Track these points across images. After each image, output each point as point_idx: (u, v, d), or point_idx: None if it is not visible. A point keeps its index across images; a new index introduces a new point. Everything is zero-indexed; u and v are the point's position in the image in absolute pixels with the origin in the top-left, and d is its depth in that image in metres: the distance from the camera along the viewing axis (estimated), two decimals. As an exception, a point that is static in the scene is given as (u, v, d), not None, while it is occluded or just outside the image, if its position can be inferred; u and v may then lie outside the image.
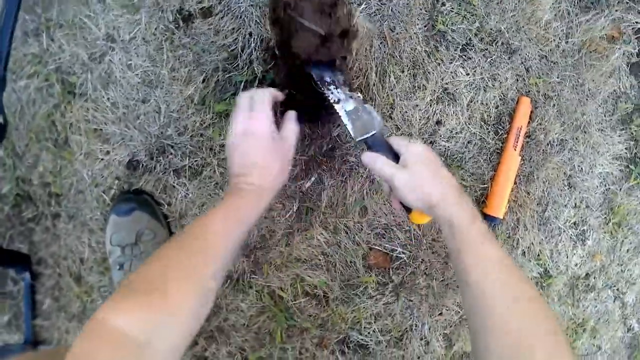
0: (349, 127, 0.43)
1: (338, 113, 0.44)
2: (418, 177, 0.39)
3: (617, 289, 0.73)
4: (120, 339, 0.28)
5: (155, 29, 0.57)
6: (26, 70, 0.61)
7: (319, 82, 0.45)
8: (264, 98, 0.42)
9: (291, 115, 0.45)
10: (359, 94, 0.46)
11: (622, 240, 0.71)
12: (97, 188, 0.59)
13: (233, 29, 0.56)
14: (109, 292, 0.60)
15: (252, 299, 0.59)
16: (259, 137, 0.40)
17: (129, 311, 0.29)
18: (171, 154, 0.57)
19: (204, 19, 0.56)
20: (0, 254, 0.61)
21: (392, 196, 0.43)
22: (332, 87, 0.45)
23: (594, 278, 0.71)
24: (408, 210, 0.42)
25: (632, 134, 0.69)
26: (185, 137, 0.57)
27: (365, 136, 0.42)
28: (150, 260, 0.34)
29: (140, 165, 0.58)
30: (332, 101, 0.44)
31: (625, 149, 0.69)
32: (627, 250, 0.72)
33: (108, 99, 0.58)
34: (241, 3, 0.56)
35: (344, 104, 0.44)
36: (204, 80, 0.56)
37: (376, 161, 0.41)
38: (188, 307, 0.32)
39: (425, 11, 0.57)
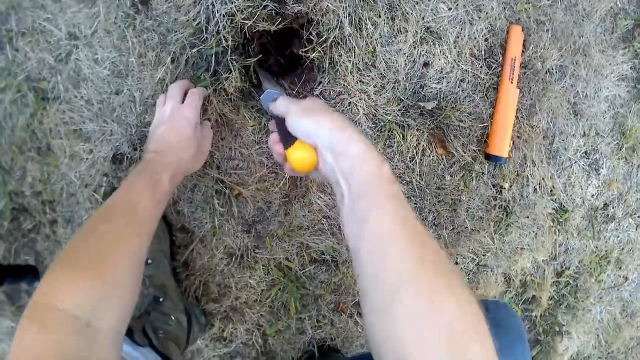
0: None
1: None
2: (313, 105, 0.34)
3: (639, 217, 0.70)
4: (65, 321, 0.27)
5: (115, 17, 0.54)
6: (-2, 85, 0.60)
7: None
8: (199, 94, 0.47)
9: (206, 123, 0.50)
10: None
11: (638, 165, 0.68)
12: (87, 188, 0.58)
13: (194, 1, 0.53)
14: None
15: (260, 274, 0.58)
16: (186, 124, 0.44)
17: (69, 290, 0.28)
18: (154, 141, 0.56)
19: (163, -4, 0.53)
20: (8, 270, 0.61)
21: (275, 135, 0.38)
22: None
23: (613, 207, 0.68)
24: (288, 145, 0.35)
25: (636, 51, 0.65)
26: (165, 122, 0.55)
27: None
28: (82, 235, 0.33)
29: (125, 157, 0.57)
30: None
31: (630, 68, 0.64)
32: (645, 174, 0.69)
33: (81, 97, 0.57)
34: (198, -28, 0.52)
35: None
36: (173, 61, 0.54)
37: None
38: (126, 281, 0.32)
39: (395, -54, 0.53)
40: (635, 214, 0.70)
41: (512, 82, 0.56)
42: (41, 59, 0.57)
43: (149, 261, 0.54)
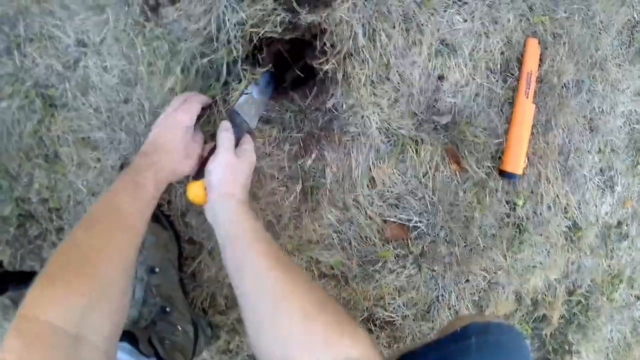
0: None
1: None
2: (238, 167, 0.42)
3: (653, 234, 0.69)
4: (53, 335, 0.26)
5: (125, 25, 0.54)
6: (5, 91, 0.59)
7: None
8: (197, 101, 0.48)
9: (198, 128, 0.50)
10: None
11: (654, 182, 0.66)
12: (95, 197, 0.58)
13: (204, 10, 0.52)
14: (130, 306, 0.59)
15: (268, 290, 0.57)
16: (176, 126, 0.45)
17: (56, 301, 0.27)
18: (163, 151, 0.55)
19: (172, 5, 0.52)
20: (14, 276, 0.61)
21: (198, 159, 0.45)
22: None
23: (627, 225, 0.66)
24: (198, 176, 0.42)
25: (654, 64, 0.63)
26: (174, 132, 0.54)
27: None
28: (67, 245, 0.32)
29: (134, 167, 0.56)
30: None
31: (648, 81, 0.63)
32: (660, 192, 0.67)
33: (90, 105, 0.56)
34: (210, -20, 0.52)
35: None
36: (182, 70, 0.53)
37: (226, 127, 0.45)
38: (115, 288, 0.31)
39: (411, -43, 0.52)
40: (649, 231, 0.68)
41: (528, 97, 0.55)
42: (49, 65, 0.57)
43: (156, 270, 0.53)
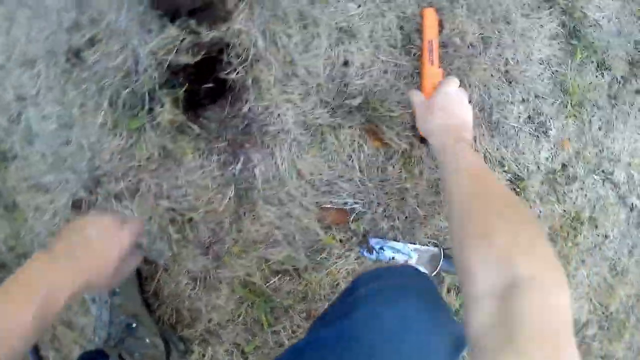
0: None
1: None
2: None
3: (603, 171, 0.68)
4: None
5: (55, 74, 0.59)
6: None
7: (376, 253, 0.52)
8: (139, 223, 0.43)
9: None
10: (408, 246, 0.55)
11: (590, 119, 0.67)
12: (54, 236, 0.62)
13: (120, 47, 0.57)
14: (98, 328, 0.62)
15: (226, 293, 0.59)
16: (119, 241, 0.39)
17: None
18: (106, 182, 0.59)
19: (92, 48, 0.57)
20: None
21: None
22: (386, 252, 0.50)
23: (572, 167, 0.67)
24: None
25: (562, 8, 0.65)
26: (112, 163, 0.58)
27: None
28: None
29: (84, 202, 0.60)
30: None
31: (558, 25, 0.64)
32: (599, 128, 0.67)
33: (37, 152, 0.61)
34: (121, 21, 0.56)
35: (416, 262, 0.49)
36: (110, 105, 0.57)
37: None
38: None
39: (294, -40, 0.55)
40: (598, 169, 0.68)
41: (433, 64, 0.57)
42: (-3, 123, 0.62)
43: (117, 291, 0.56)
